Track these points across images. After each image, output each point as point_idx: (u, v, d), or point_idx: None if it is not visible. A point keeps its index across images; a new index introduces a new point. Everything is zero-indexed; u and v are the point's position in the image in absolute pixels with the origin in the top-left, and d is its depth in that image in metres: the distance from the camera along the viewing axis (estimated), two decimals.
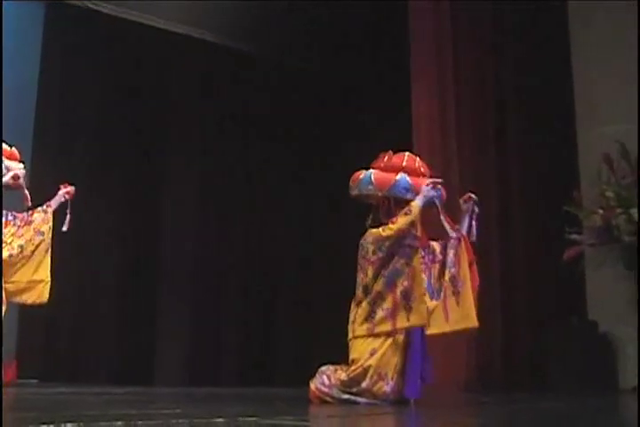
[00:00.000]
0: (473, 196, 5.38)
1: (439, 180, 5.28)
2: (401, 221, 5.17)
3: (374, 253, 5.18)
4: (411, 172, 5.31)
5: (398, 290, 5.08)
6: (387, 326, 5.06)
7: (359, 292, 5.19)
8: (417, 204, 5.17)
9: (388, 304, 5.08)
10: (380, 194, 5.29)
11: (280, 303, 10.35)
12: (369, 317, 5.10)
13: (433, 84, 8.15)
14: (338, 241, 9.19)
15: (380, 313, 5.08)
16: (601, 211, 7.31)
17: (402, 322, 5.05)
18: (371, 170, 5.37)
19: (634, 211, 7.15)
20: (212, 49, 9.55)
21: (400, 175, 5.26)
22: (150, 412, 4.18)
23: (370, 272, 5.17)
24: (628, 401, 6.16)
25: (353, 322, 5.16)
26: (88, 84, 9.79)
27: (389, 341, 5.06)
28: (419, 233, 5.16)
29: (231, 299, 10.06)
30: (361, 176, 5.37)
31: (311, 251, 10.39)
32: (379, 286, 5.12)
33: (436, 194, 5.22)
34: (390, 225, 5.18)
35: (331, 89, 10.43)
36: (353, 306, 5.21)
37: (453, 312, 5.18)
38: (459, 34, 8.25)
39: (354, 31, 9.48)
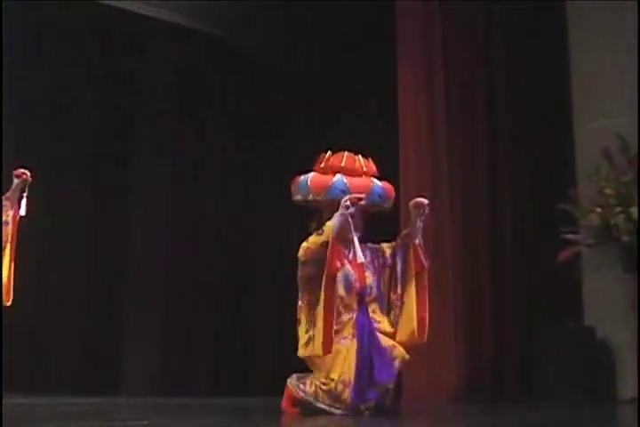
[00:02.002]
0: (425, 201, 5.21)
1: (361, 195, 5.05)
2: (311, 241, 5.10)
3: (300, 269, 5.17)
4: (350, 172, 5.22)
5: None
6: (304, 352, 5.07)
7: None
8: (329, 224, 5.01)
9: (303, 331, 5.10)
10: (318, 198, 5.20)
11: (256, 309, 10.32)
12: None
13: (421, 83, 8.18)
14: None
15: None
16: (599, 209, 7.33)
17: (303, 350, 5.07)
18: (310, 173, 5.30)
19: (633, 209, 7.18)
20: (189, 36, 9.49)
21: (337, 177, 5.18)
22: (115, 424, 4.21)
23: (299, 291, 5.18)
24: (626, 412, 6.22)
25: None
26: (51, 71, 9.72)
27: (341, 348, 5.03)
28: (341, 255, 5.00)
29: (203, 304, 10.02)
30: (300, 180, 5.31)
31: (288, 254, 10.36)
32: (303, 311, 5.13)
33: (349, 211, 4.98)
34: (303, 243, 5.12)
35: (324, 86, 10.34)
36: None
37: (400, 325, 5.16)
38: (448, 33, 8.29)
39: (337, 23, 9.49)
